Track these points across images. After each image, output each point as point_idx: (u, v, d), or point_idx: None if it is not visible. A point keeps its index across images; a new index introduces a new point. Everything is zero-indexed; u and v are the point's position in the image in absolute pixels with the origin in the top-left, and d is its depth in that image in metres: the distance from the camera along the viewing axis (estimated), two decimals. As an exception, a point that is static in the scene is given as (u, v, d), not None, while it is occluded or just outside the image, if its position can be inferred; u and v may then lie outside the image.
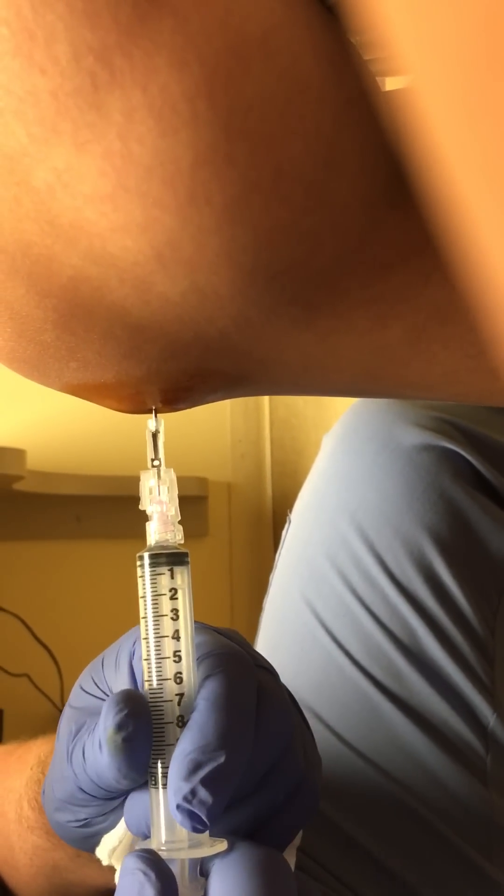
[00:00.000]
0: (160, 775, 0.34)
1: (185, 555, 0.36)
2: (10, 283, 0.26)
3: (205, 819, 0.32)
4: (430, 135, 0.13)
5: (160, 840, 0.34)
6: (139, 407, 0.32)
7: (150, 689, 0.34)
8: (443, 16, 0.12)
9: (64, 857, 0.44)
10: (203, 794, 0.32)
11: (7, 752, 0.50)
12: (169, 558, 0.35)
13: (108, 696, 0.37)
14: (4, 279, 0.26)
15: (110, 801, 0.37)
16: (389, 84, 0.27)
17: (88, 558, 1.69)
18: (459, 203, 0.13)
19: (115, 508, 1.58)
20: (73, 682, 0.41)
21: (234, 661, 0.35)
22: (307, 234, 0.24)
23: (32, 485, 1.49)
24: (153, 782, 0.34)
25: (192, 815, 0.32)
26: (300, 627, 0.62)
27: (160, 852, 0.33)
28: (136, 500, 0.36)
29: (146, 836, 0.36)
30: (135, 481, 0.36)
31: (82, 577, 1.69)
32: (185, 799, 0.31)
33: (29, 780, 0.45)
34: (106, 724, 0.33)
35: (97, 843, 0.39)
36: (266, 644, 0.65)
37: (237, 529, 1.85)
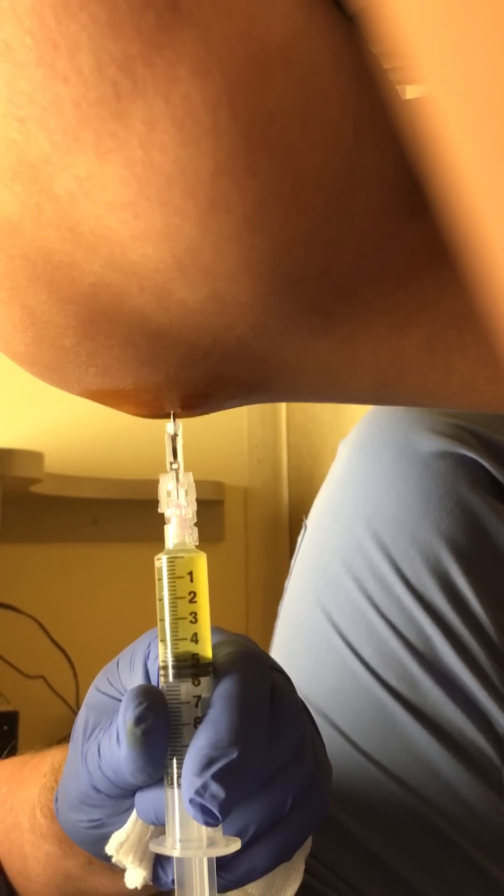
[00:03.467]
0: (176, 775, 0.34)
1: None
2: (31, 289, 0.26)
3: (217, 813, 0.32)
4: (449, 144, 0.13)
5: (175, 838, 0.34)
6: (157, 412, 0.33)
7: (168, 691, 0.35)
8: (462, 25, 0.12)
9: (76, 866, 0.44)
10: (215, 788, 0.32)
11: (22, 762, 0.50)
12: (187, 558, 0.35)
13: (123, 695, 0.37)
14: (26, 285, 0.26)
15: (122, 802, 0.37)
16: (410, 93, 0.27)
17: (105, 561, 1.70)
18: (476, 212, 0.13)
19: (131, 512, 1.58)
20: (89, 685, 0.41)
21: (250, 660, 0.36)
22: (327, 243, 0.24)
23: (50, 487, 1.50)
24: (169, 782, 0.34)
25: (203, 809, 0.32)
26: (315, 634, 0.62)
27: (175, 850, 0.34)
28: (153, 503, 0.36)
29: (156, 824, 0.36)
30: (152, 485, 0.36)
31: (99, 579, 1.69)
32: (198, 793, 0.32)
33: (42, 788, 0.46)
34: (125, 716, 0.34)
35: None
36: (281, 650, 0.65)
37: (253, 534, 1.85)
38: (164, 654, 0.35)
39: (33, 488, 1.47)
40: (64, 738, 0.43)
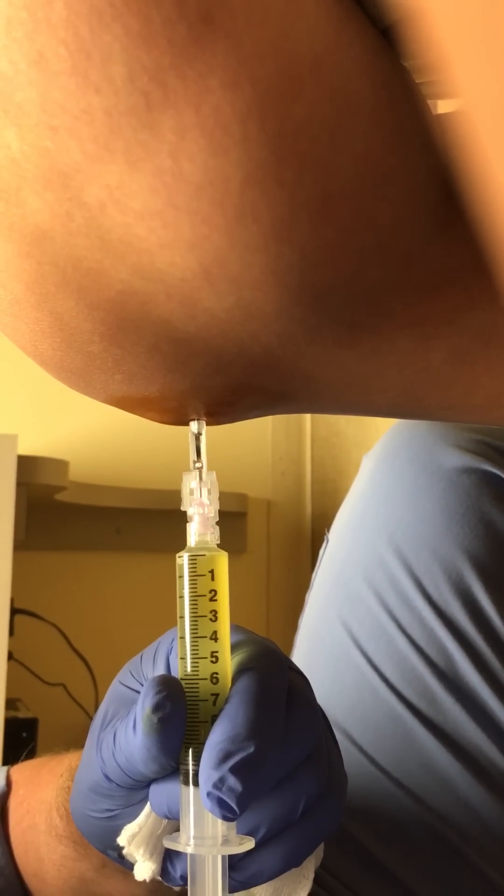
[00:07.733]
0: (192, 772, 0.34)
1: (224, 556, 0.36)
2: (60, 296, 0.26)
3: (234, 807, 0.32)
4: (481, 157, 0.13)
5: (189, 835, 0.34)
6: (182, 420, 0.33)
7: (186, 687, 0.35)
8: (498, 40, 0.12)
9: (90, 868, 0.44)
10: (232, 781, 0.32)
11: (40, 764, 0.50)
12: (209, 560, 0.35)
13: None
14: (55, 291, 0.26)
15: (133, 794, 0.37)
16: (442, 107, 0.27)
17: (127, 570, 1.70)
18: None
19: (155, 521, 1.58)
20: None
21: (268, 658, 0.36)
22: (354, 255, 0.24)
23: (74, 496, 1.51)
24: (184, 779, 0.34)
25: (221, 803, 0.32)
26: (335, 648, 0.62)
27: (189, 847, 0.34)
28: (177, 513, 0.36)
29: (169, 818, 0.36)
30: (176, 495, 0.36)
31: (120, 588, 1.70)
32: (216, 786, 0.32)
33: (59, 790, 0.46)
34: (144, 703, 0.34)
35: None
36: (301, 663, 0.64)
37: (275, 547, 1.85)
38: (183, 650, 0.35)
39: (58, 496, 1.48)
40: (82, 746, 0.43)
